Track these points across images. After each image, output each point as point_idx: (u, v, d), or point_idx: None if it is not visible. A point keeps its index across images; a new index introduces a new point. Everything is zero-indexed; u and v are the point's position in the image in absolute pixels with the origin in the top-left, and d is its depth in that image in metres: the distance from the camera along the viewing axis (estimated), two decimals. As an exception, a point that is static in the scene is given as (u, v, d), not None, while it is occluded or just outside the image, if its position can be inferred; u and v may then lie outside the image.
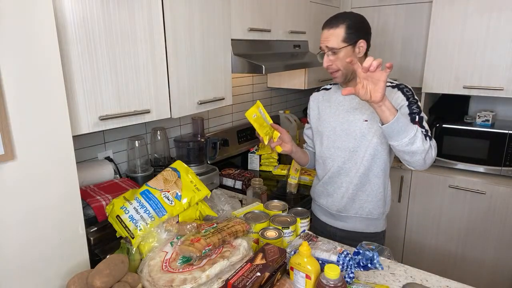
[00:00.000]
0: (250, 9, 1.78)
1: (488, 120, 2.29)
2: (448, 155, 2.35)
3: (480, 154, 2.24)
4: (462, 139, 2.29)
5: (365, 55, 1.40)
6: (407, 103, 1.33)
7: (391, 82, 1.41)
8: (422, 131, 1.22)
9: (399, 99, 1.35)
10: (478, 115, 2.33)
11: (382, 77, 1.08)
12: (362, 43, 1.35)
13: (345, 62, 1.34)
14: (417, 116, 1.30)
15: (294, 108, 3.01)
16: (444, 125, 2.34)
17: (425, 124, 1.31)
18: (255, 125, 1.39)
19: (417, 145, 1.18)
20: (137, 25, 1.23)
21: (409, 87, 1.39)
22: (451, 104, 2.51)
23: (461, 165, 2.32)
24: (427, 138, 1.24)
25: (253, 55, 1.81)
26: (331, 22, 1.35)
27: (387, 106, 1.13)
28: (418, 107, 1.34)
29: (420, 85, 2.35)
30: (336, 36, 1.33)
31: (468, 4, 2.09)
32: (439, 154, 2.37)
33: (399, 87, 1.38)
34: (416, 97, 1.37)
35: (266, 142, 1.41)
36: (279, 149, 1.45)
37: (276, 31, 2.00)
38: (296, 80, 2.44)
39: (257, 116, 1.40)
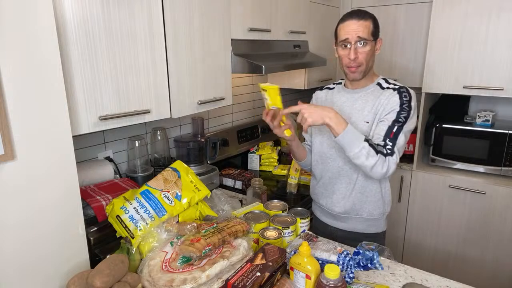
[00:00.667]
0: (250, 9, 1.78)
1: (488, 120, 2.28)
2: (448, 155, 2.35)
3: (480, 154, 2.24)
4: (462, 139, 2.29)
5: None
6: (398, 108, 1.35)
7: (395, 85, 1.41)
8: (374, 147, 1.28)
9: (394, 103, 1.36)
10: (478, 115, 2.32)
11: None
12: (380, 42, 1.40)
13: (369, 57, 1.37)
14: (396, 127, 1.33)
15: (294, 108, 3.00)
16: (444, 125, 2.34)
17: (400, 137, 1.33)
18: (268, 93, 1.32)
19: (359, 160, 1.28)
20: (137, 25, 1.23)
21: (411, 92, 1.39)
22: (451, 104, 2.51)
23: (461, 165, 2.32)
24: (379, 153, 1.28)
25: (253, 55, 1.81)
26: (359, 14, 1.35)
27: (332, 122, 1.26)
28: (407, 117, 1.34)
29: (420, 85, 2.35)
30: (367, 27, 1.34)
31: (468, 4, 2.09)
32: (439, 154, 2.37)
33: (400, 91, 1.38)
34: (412, 103, 1.36)
35: (268, 108, 1.36)
36: (289, 133, 1.42)
37: (276, 31, 2.00)
38: (296, 80, 2.44)
39: (274, 90, 1.33)
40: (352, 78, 1.43)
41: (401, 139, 1.33)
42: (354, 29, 1.34)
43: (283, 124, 1.40)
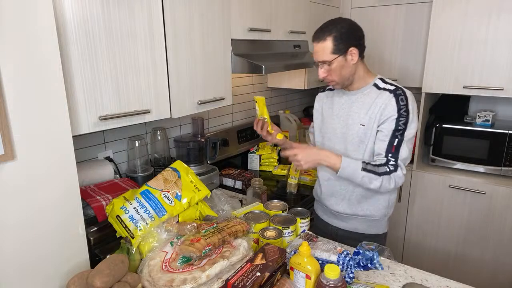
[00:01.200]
0: (250, 9, 1.78)
1: (488, 120, 2.28)
2: (448, 155, 2.35)
3: (480, 154, 2.24)
4: (462, 139, 2.29)
5: (362, 58, 1.40)
6: (396, 115, 1.33)
7: (392, 85, 1.39)
8: (373, 171, 1.32)
9: (391, 108, 1.34)
10: (478, 115, 2.32)
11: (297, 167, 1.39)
12: (353, 51, 1.34)
13: (339, 72, 1.36)
14: (396, 139, 1.33)
15: (294, 108, 3.01)
16: (444, 125, 2.34)
17: (402, 148, 1.33)
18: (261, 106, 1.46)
19: (366, 186, 1.35)
20: (137, 25, 1.23)
21: (407, 94, 1.36)
22: (451, 104, 2.51)
23: (461, 165, 2.32)
24: (382, 175, 1.32)
25: (253, 55, 1.81)
26: (318, 36, 1.35)
27: (326, 162, 1.35)
28: (406, 122, 1.33)
29: (420, 85, 2.35)
30: (325, 49, 1.33)
31: (468, 4, 2.09)
32: (439, 154, 2.37)
33: (396, 94, 1.35)
34: (410, 106, 1.34)
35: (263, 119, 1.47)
36: (281, 136, 1.47)
37: (276, 31, 2.00)
38: (296, 80, 2.44)
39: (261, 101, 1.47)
40: (335, 88, 1.49)
41: (404, 150, 1.34)
42: (316, 52, 1.37)
43: (273, 131, 1.46)
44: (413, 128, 1.35)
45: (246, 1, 1.75)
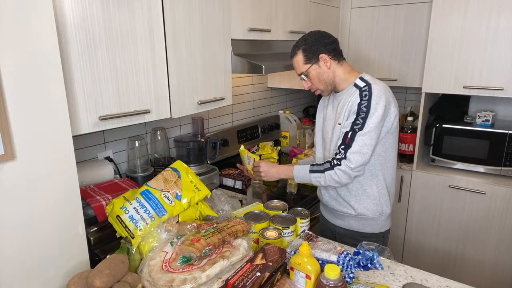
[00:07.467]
0: (250, 9, 1.78)
1: (488, 120, 2.29)
2: (448, 155, 2.35)
3: (480, 154, 2.24)
4: (462, 139, 2.29)
5: (339, 61, 1.44)
6: (356, 110, 1.37)
7: (365, 82, 1.40)
8: (318, 170, 1.42)
9: (355, 105, 1.38)
10: (478, 115, 2.33)
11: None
12: (324, 57, 1.43)
13: (318, 79, 1.46)
14: (351, 132, 1.37)
15: (294, 108, 3.01)
16: (444, 125, 2.34)
17: (355, 141, 1.35)
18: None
19: (321, 184, 1.45)
20: (137, 25, 1.23)
21: (373, 89, 1.36)
22: (451, 104, 2.51)
23: (461, 165, 2.32)
24: (325, 171, 1.40)
25: (253, 55, 1.81)
26: (291, 52, 1.50)
27: (284, 175, 1.55)
28: (365, 117, 1.34)
29: (420, 85, 2.35)
30: (298, 61, 1.46)
31: (468, 4, 2.09)
32: (439, 154, 2.37)
33: (361, 90, 1.39)
34: (373, 101, 1.34)
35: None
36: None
37: (276, 31, 2.00)
38: (296, 80, 2.44)
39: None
40: (323, 96, 1.56)
41: (356, 143, 1.35)
42: (294, 67, 1.51)
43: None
44: (373, 121, 1.34)
45: (246, 1, 1.75)
